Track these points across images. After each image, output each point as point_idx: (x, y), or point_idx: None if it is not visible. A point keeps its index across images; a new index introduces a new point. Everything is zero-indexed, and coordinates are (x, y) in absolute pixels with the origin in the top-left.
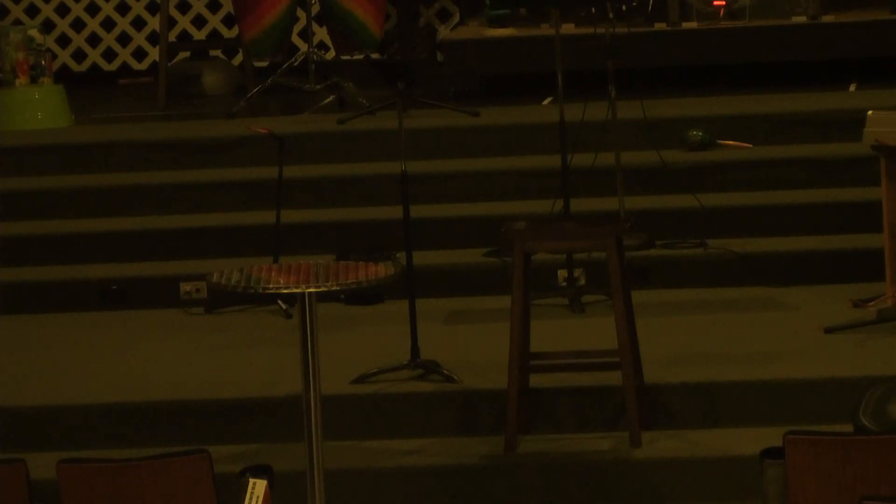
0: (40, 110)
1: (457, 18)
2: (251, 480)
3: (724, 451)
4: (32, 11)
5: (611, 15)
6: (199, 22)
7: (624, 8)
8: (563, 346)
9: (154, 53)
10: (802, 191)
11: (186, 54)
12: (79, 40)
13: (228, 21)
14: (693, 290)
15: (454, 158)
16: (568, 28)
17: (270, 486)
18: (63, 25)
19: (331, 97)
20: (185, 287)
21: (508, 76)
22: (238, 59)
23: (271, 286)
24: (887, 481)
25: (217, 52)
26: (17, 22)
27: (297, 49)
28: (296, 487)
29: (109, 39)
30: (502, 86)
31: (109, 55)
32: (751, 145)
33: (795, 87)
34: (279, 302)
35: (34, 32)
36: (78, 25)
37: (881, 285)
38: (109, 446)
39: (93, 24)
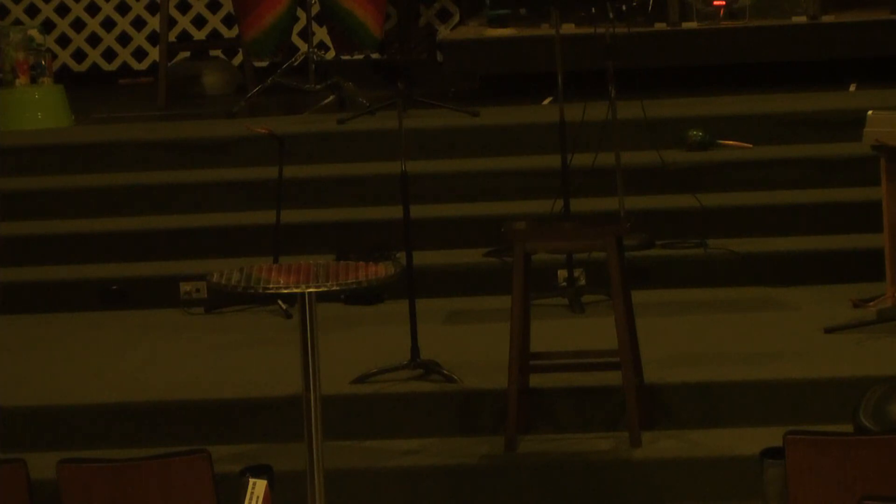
0: (40, 110)
1: (457, 18)
2: (251, 480)
3: (724, 451)
4: (32, 11)
5: (611, 15)
6: (199, 22)
7: (624, 8)
8: (563, 346)
9: (154, 53)
10: (802, 191)
11: (186, 54)
12: (79, 40)
13: (228, 21)
14: (693, 290)
15: (454, 158)
16: (568, 28)
17: (270, 486)
18: (63, 25)
19: (331, 97)
20: (185, 287)
21: (508, 76)
22: (238, 59)
23: (271, 286)
24: (887, 481)
25: (217, 52)
26: (17, 22)
27: (297, 49)
28: (296, 487)
29: (109, 39)
30: (502, 86)
31: (109, 55)
32: (751, 145)
33: (795, 87)
34: (279, 302)
35: (34, 32)
36: (78, 25)
37: (881, 285)
38: (109, 446)
39: (93, 24)
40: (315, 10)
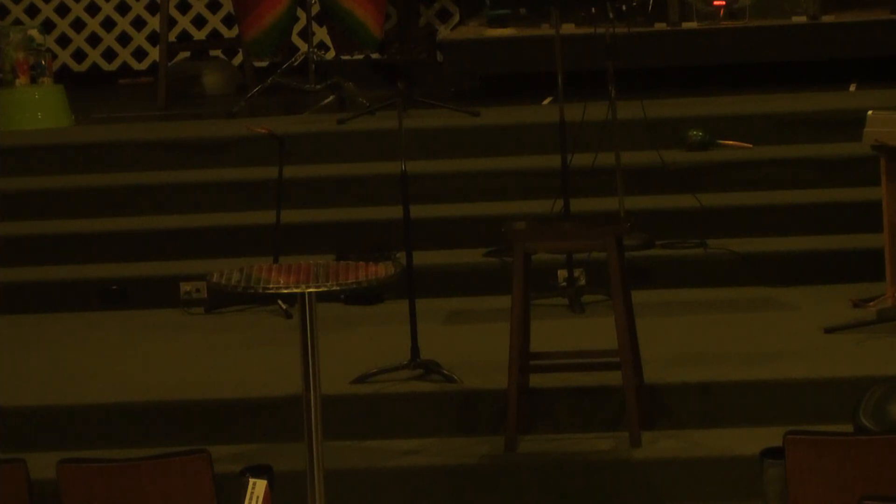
0: (40, 110)
1: (457, 18)
2: (251, 480)
3: (724, 451)
4: (32, 11)
5: (611, 15)
6: (199, 22)
7: (624, 8)
8: (563, 346)
9: (154, 53)
10: (802, 191)
11: (186, 54)
12: (79, 40)
13: (228, 21)
14: (693, 290)
15: (454, 158)
16: (568, 28)
17: (270, 486)
18: (63, 25)
19: (331, 97)
20: (185, 287)
21: (508, 76)
22: (238, 59)
23: (271, 286)
24: (887, 481)
25: (217, 52)
26: (17, 22)
27: (297, 49)
28: (296, 487)
29: (109, 39)
30: (502, 86)
31: (109, 55)
32: (751, 145)
33: (795, 87)
34: (279, 302)
35: (34, 32)
36: (78, 25)
37: (881, 285)
38: (109, 446)
39: (93, 24)
40: (315, 10)
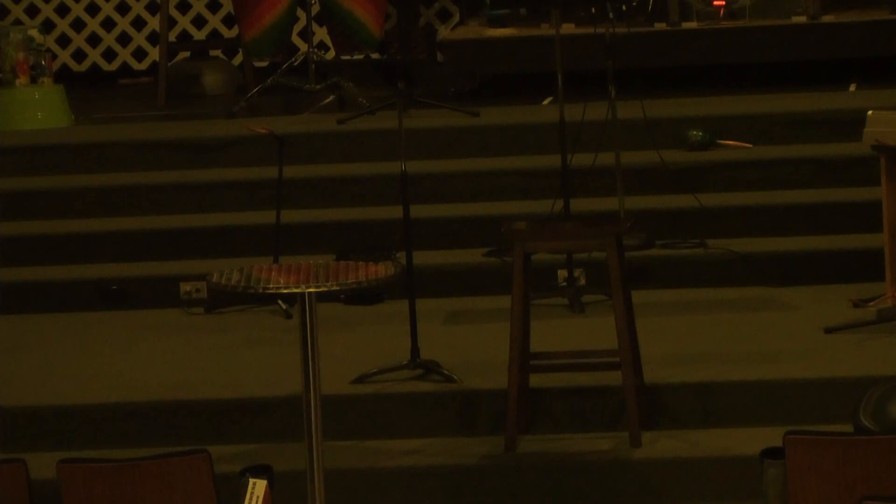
0: (40, 110)
1: (457, 18)
2: (251, 480)
3: (724, 451)
4: (32, 11)
5: (611, 15)
6: (199, 22)
7: (624, 8)
8: (563, 346)
9: (154, 53)
10: (802, 191)
11: (186, 54)
12: (79, 40)
13: (228, 21)
14: (693, 290)
15: (454, 158)
16: (568, 28)
17: (270, 486)
18: (63, 25)
19: (331, 97)
20: (185, 287)
21: (508, 76)
22: (238, 59)
23: (271, 286)
24: (887, 481)
25: (217, 52)
26: (17, 22)
27: (297, 49)
28: (296, 487)
29: (109, 39)
30: (502, 86)
31: (109, 55)
32: (751, 145)
33: (795, 87)
34: (279, 302)
35: (34, 32)
36: (78, 25)
37: (881, 285)
38: (109, 446)
39: (93, 24)
40: (315, 10)
